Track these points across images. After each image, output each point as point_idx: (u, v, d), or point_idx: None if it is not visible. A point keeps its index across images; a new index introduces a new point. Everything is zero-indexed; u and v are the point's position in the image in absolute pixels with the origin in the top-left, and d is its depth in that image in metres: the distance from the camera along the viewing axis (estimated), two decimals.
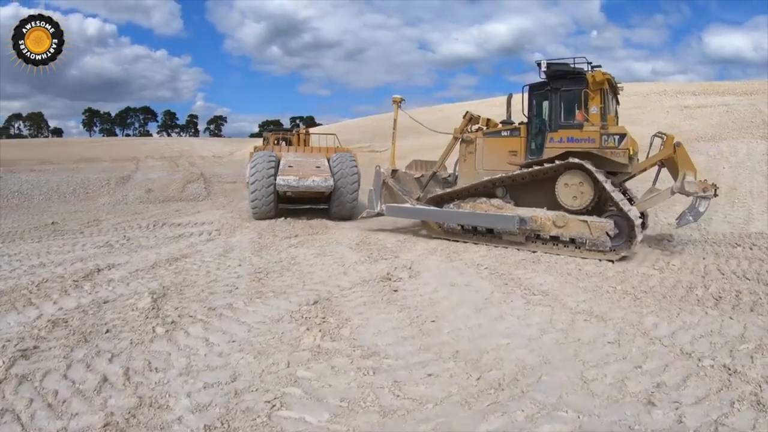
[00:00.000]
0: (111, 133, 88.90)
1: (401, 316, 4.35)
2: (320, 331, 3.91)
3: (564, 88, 7.76)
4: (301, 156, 11.47)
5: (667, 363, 3.38)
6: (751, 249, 7.31)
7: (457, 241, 8.14)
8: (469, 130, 9.03)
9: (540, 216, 7.33)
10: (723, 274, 5.90)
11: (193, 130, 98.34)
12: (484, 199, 8.16)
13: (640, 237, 6.89)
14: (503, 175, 8.02)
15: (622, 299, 4.85)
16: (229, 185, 20.35)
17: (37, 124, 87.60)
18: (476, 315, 4.40)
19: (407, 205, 8.82)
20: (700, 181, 7.16)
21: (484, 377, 3.18)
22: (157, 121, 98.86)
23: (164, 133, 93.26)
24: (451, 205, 8.48)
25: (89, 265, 6.15)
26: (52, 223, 9.92)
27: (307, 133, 14.04)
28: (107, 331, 3.92)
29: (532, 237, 7.54)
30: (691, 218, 7.06)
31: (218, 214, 11.83)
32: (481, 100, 37.86)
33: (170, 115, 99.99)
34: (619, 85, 8.30)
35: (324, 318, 4.20)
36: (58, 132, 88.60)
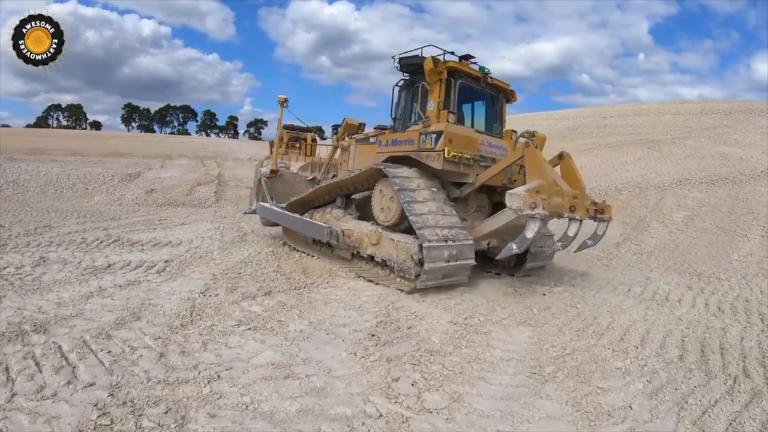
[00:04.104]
0: (149, 129, 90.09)
1: None
2: None
3: (416, 84, 6.66)
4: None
5: None
6: None
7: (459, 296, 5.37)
8: (348, 138, 8.35)
9: (355, 230, 6.40)
10: None
11: (232, 132, 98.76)
12: (329, 209, 7.37)
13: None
14: (324, 183, 7.42)
15: None
16: (246, 191, 17.64)
17: (76, 116, 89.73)
18: None
19: (267, 205, 8.36)
20: (533, 194, 4.90)
21: None
22: (197, 121, 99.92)
23: (203, 133, 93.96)
24: (306, 215, 7.69)
25: None
26: None
27: (314, 142, 14.17)
28: None
29: (357, 255, 6.47)
30: (589, 242, 6.01)
31: (201, 230, 9.29)
32: (527, 113, 34.77)
33: (210, 116, 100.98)
34: (487, 72, 6.65)
35: None
36: (96, 125, 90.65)
